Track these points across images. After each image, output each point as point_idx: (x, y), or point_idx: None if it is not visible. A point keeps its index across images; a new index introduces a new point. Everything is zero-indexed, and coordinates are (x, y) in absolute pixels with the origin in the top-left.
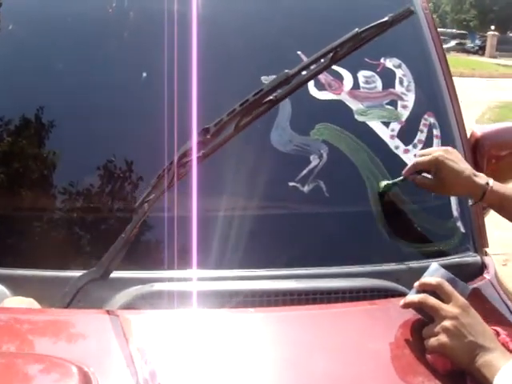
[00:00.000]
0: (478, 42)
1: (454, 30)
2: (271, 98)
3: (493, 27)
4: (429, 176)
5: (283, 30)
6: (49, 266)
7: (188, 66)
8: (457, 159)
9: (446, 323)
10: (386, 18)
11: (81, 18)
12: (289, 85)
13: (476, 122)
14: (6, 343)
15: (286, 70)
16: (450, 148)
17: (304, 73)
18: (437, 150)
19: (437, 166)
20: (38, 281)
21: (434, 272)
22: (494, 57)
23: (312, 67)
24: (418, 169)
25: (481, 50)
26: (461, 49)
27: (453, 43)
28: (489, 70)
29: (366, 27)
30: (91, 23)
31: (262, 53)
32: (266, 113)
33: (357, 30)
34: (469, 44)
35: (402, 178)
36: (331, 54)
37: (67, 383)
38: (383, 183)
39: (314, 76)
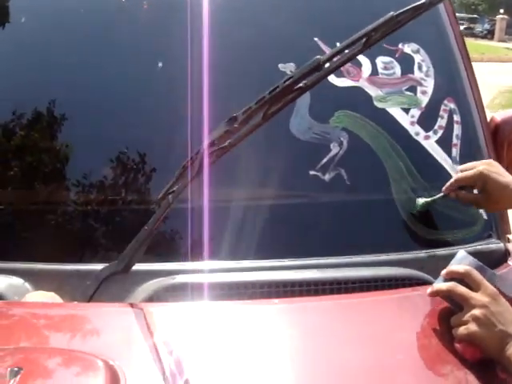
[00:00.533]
0: (486, 25)
1: (463, 14)
2: (301, 85)
3: (502, 11)
4: (473, 191)
5: (300, 16)
6: (70, 259)
7: (205, 55)
8: (501, 172)
9: (476, 312)
10: (422, 1)
11: (93, 9)
12: (320, 71)
13: (486, 107)
14: (29, 338)
15: (318, 56)
16: (492, 161)
17: (335, 59)
18: (480, 164)
19: (482, 181)
20: (59, 275)
21: (462, 259)
22: (504, 41)
23: (344, 53)
24: (461, 184)
25: (489, 34)
26: (469, 33)
27: (461, 28)
28: (498, 55)
29: (402, 10)
30: (104, 15)
31: (278, 40)
32: (296, 100)
33: (392, 13)
34: (477, 28)
35: (442, 194)
36: (364, 39)
37: (93, 377)
38: (420, 201)
39: (346, 62)
